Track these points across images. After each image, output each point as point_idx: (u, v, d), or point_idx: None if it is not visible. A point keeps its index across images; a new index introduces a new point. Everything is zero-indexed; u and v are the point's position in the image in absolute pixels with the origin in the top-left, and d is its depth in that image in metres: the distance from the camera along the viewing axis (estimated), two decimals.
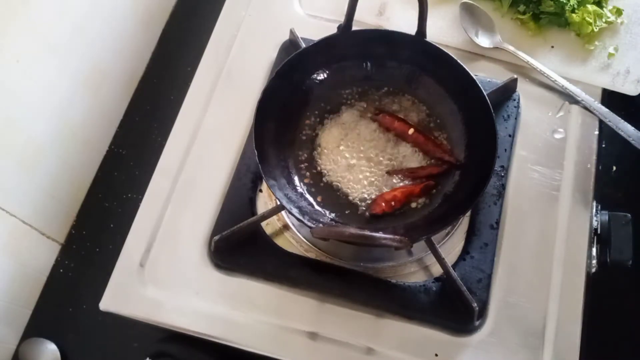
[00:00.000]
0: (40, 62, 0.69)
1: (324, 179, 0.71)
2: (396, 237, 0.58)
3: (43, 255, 0.76)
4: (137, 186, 0.77)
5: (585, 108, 0.76)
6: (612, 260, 0.67)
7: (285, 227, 0.71)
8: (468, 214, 0.69)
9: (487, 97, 0.66)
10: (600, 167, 0.74)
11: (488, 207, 0.70)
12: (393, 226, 0.67)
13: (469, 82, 0.67)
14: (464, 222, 0.70)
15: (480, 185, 0.63)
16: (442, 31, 0.82)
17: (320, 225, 0.65)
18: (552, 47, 0.81)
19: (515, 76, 0.75)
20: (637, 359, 0.74)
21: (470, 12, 0.81)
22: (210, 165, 0.73)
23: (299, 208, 0.66)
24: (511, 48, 0.79)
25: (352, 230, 0.65)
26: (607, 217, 0.69)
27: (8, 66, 0.65)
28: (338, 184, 0.70)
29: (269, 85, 0.68)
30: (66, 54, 0.73)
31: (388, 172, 0.70)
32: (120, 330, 0.71)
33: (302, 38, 0.77)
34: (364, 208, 0.69)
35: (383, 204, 0.67)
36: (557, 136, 0.75)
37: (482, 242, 0.68)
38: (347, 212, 0.69)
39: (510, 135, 0.74)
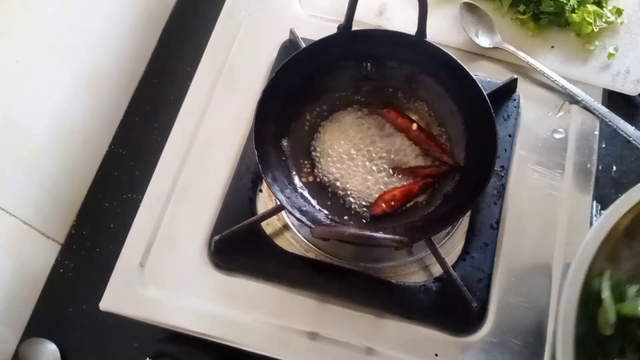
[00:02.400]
0: (40, 62, 0.69)
1: (323, 179, 0.71)
2: (396, 237, 0.58)
3: (43, 255, 0.76)
4: (137, 186, 0.77)
5: (585, 108, 0.76)
6: None
7: (285, 227, 0.71)
8: (468, 214, 0.70)
9: (487, 97, 0.67)
10: (600, 167, 0.74)
11: (488, 207, 0.70)
12: (393, 226, 0.67)
13: (469, 82, 0.67)
14: (464, 222, 0.70)
15: (480, 186, 0.63)
16: (442, 31, 0.82)
17: (320, 225, 0.65)
18: (552, 47, 0.81)
19: (515, 76, 0.75)
20: None
21: (470, 12, 0.81)
22: (210, 165, 0.73)
23: (299, 208, 0.66)
24: (511, 48, 0.79)
25: (352, 230, 0.65)
26: None
27: (8, 66, 0.65)
28: (338, 183, 0.70)
29: (269, 85, 0.68)
30: (66, 54, 0.73)
31: (389, 171, 0.70)
32: (120, 330, 0.71)
33: (302, 38, 0.77)
34: (364, 208, 0.69)
35: (383, 205, 0.67)
36: (557, 136, 0.75)
37: (482, 242, 0.68)
38: (347, 211, 0.69)
39: (510, 135, 0.74)
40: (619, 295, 0.58)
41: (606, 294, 0.56)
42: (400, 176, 0.70)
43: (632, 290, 0.58)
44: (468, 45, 0.81)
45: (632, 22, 0.82)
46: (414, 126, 0.71)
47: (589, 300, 0.56)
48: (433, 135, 0.72)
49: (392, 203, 0.68)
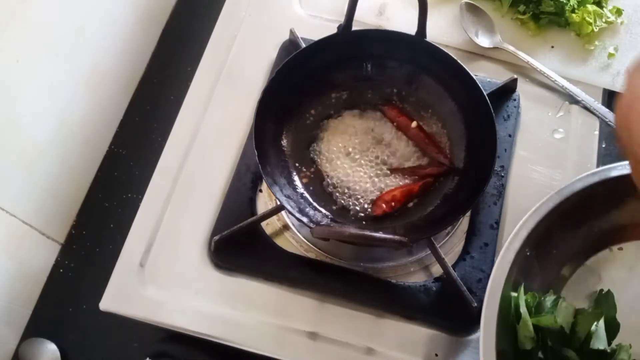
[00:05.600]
0: (40, 62, 0.69)
1: (323, 179, 0.71)
2: (396, 237, 0.58)
3: (43, 255, 0.76)
4: (137, 186, 0.77)
5: (586, 108, 0.76)
6: None
7: (285, 227, 0.71)
8: (468, 214, 0.70)
9: (487, 97, 0.67)
10: (600, 167, 0.74)
11: (488, 207, 0.70)
12: (393, 226, 0.67)
13: (469, 82, 0.68)
14: (464, 222, 0.70)
15: (480, 186, 0.63)
16: (442, 31, 0.82)
17: (320, 225, 0.65)
18: (552, 47, 0.81)
19: (515, 76, 0.75)
20: None
21: (470, 12, 0.81)
22: (210, 165, 0.73)
23: (299, 208, 0.66)
24: (511, 48, 0.79)
25: (352, 230, 0.65)
26: None
27: (8, 66, 0.65)
28: (338, 183, 0.70)
29: (269, 85, 0.68)
30: (66, 54, 0.73)
31: (389, 171, 0.70)
32: (120, 330, 0.71)
33: (302, 38, 0.77)
34: (364, 208, 0.69)
35: (384, 205, 0.67)
36: (557, 136, 0.75)
37: (482, 242, 0.68)
38: (346, 211, 0.69)
39: (510, 135, 0.74)
40: (537, 307, 0.58)
41: (523, 309, 0.56)
42: (400, 176, 0.70)
43: (548, 301, 0.58)
44: (468, 45, 0.81)
45: (632, 22, 0.82)
46: (414, 124, 0.71)
47: (508, 315, 0.57)
48: (431, 135, 0.72)
49: (393, 203, 0.68)
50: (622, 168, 0.60)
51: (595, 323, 0.57)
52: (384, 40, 0.72)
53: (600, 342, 0.56)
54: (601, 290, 0.63)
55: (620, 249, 0.65)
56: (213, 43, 0.80)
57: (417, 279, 0.67)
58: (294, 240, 0.70)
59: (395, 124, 0.72)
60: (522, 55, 0.78)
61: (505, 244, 0.57)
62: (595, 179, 0.60)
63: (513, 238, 0.57)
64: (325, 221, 0.67)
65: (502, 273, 0.56)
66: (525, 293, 0.57)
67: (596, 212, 0.62)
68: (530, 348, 0.56)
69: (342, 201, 0.69)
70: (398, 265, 0.68)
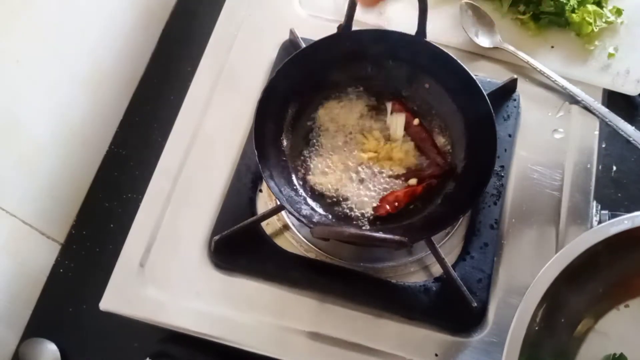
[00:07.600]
0: (40, 62, 0.69)
1: (323, 179, 0.71)
2: (396, 237, 0.58)
3: (43, 255, 0.76)
4: (137, 186, 0.77)
5: (586, 108, 0.76)
6: None
7: (285, 227, 0.71)
8: (468, 214, 0.69)
9: (487, 97, 0.67)
10: (600, 167, 0.74)
11: (488, 207, 0.70)
12: (393, 226, 0.67)
13: (469, 82, 0.68)
14: (464, 222, 0.70)
15: (480, 186, 0.63)
16: (442, 31, 0.82)
17: (320, 225, 0.65)
18: (552, 47, 0.81)
19: (515, 76, 0.75)
20: None
21: (470, 12, 0.81)
22: (210, 165, 0.73)
23: (299, 208, 0.66)
24: (511, 48, 0.79)
25: (352, 230, 0.65)
26: (607, 217, 0.69)
27: (8, 66, 0.65)
28: (338, 183, 0.70)
29: (269, 85, 0.68)
30: (66, 54, 0.73)
31: (390, 170, 0.70)
32: (120, 330, 0.71)
33: (302, 38, 0.77)
34: (363, 207, 0.69)
35: (387, 206, 0.67)
36: (557, 136, 0.75)
37: (482, 242, 0.68)
38: (347, 212, 0.69)
39: (510, 135, 0.74)
40: None
41: None
42: (400, 177, 0.70)
43: None
44: (468, 45, 0.81)
45: (632, 22, 0.82)
46: (416, 121, 0.71)
47: None
48: (431, 134, 0.72)
49: (396, 204, 0.67)
50: (619, 223, 0.59)
51: None
52: (384, 40, 0.72)
53: None
54: (614, 354, 0.63)
55: (627, 306, 0.65)
56: (213, 43, 0.80)
57: (417, 279, 0.67)
58: (294, 240, 0.70)
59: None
60: (522, 55, 0.78)
61: (514, 320, 0.56)
62: (596, 238, 0.59)
63: (521, 311, 0.56)
64: (325, 221, 0.67)
65: (515, 351, 0.55)
66: None
67: (600, 270, 0.61)
68: None
69: (342, 201, 0.69)
70: (398, 265, 0.68)
